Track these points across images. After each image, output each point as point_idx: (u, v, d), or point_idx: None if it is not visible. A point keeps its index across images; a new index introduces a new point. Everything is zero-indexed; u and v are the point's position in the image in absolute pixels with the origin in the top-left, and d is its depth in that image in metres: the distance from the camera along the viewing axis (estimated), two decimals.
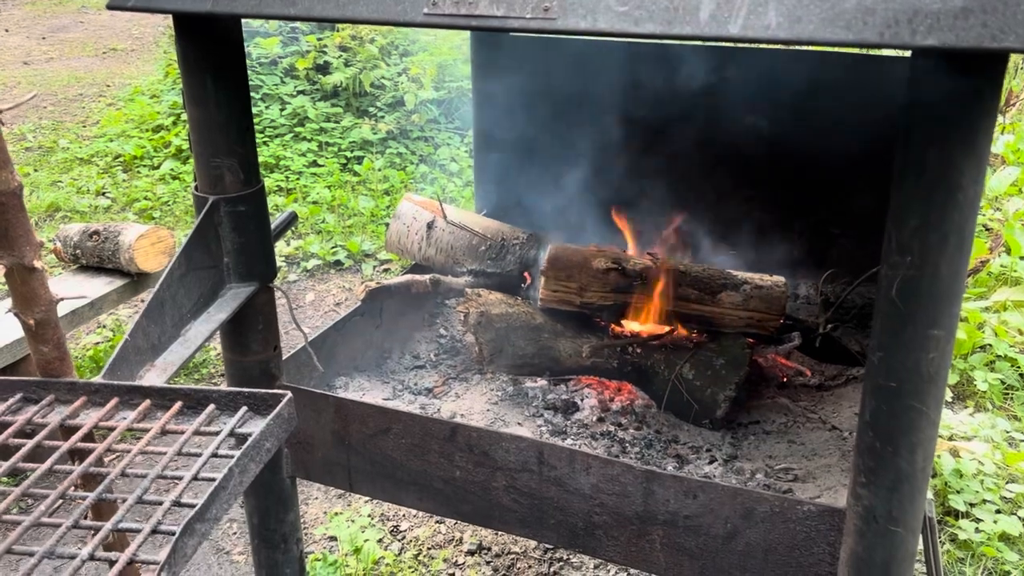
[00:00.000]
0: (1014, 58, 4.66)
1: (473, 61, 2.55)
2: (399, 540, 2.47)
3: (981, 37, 0.87)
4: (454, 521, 2.50)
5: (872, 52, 2.09)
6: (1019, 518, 2.41)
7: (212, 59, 1.42)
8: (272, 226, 1.63)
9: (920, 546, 1.35)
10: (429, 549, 2.42)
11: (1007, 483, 2.53)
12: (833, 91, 2.17)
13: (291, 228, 1.72)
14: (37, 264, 1.33)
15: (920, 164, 1.07)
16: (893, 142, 1.10)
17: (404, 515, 2.56)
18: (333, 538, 2.47)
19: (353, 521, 2.49)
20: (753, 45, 2.23)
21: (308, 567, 2.21)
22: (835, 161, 2.20)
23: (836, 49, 2.12)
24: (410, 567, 2.35)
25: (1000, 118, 4.69)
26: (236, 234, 1.51)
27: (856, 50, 2.16)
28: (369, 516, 2.54)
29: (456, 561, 2.37)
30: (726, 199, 2.36)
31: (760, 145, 2.28)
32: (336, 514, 2.55)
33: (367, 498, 2.60)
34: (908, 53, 1.06)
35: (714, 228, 2.32)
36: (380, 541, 2.44)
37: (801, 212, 2.29)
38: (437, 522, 2.52)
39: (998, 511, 2.43)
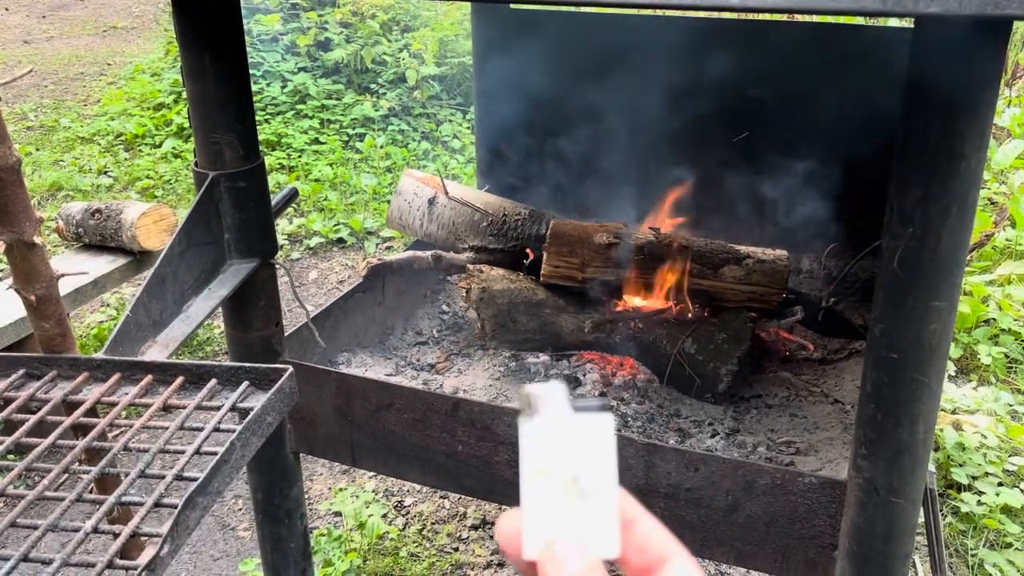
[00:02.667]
0: (1021, 29, 4.62)
1: (474, 36, 2.53)
2: (403, 515, 2.48)
3: (984, 4, 0.85)
4: (458, 496, 2.51)
5: (875, 21, 2.07)
6: (1021, 490, 2.41)
7: (210, 34, 1.41)
8: (273, 203, 1.63)
9: (921, 518, 1.35)
10: (433, 524, 2.44)
11: (1009, 456, 2.53)
12: (835, 62, 2.15)
13: (292, 204, 1.72)
14: (37, 240, 1.33)
15: (922, 133, 1.07)
16: (895, 112, 1.09)
17: (408, 490, 2.57)
18: (338, 513, 2.49)
19: (357, 496, 2.51)
20: (758, 15, 2.21)
21: (313, 542, 2.23)
22: (837, 132, 2.18)
23: (837, 19, 2.10)
24: (414, 542, 2.37)
25: (1007, 91, 4.64)
26: (236, 210, 1.51)
27: (859, 19, 2.14)
28: (374, 491, 2.55)
29: (460, 536, 2.39)
30: (730, 172, 2.34)
31: (762, 117, 2.27)
32: (340, 489, 2.56)
33: (371, 473, 2.62)
34: (911, 21, 1.05)
35: (717, 202, 2.31)
36: (384, 516, 2.46)
37: (804, 184, 2.28)
38: (441, 497, 2.53)
39: (1000, 484, 2.44)
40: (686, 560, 0.44)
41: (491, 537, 2.38)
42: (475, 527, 2.42)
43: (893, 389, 1.19)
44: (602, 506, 0.43)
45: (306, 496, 2.01)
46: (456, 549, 2.35)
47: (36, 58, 7.04)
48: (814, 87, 2.19)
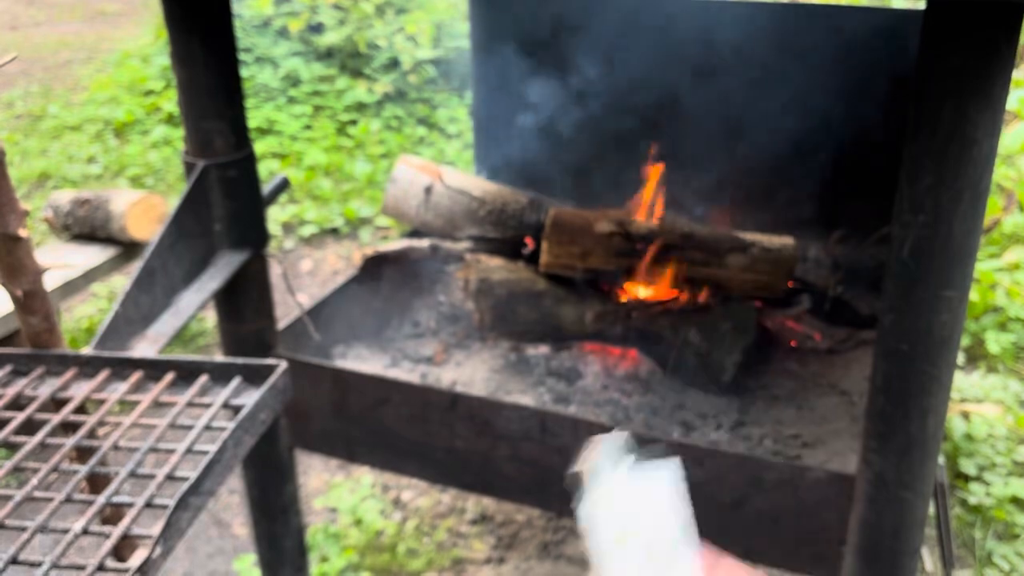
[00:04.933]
0: None
1: (472, 18, 2.48)
2: (401, 510, 2.45)
3: None
4: (457, 491, 2.48)
5: (886, 3, 2.04)
6: None
7: (199, 17, 1.37)
8: (263, 192, 1.59)
9: (931, 511, 1.33)
10: (432, 519, 2.41)
11: (1019, 445, 2.51)
12: (843, 47, 2.11)
13: (282, 194, 1.68)
14: (22, 233, 1.28)
15: (934, 118, 1.04)
16: (905, 97, 1.06)
17: (406, 485, 2.54)
18: (334, 509, 2.46)
19: (354, 491, 2.48)
20: None
21: (309, 538, 2.20)
22: (846, 118, 2.15)
23: (850, 1, 2.06)
24: (412, 537, 2.34)
25: (1014, 72, 4.61)
26: (227, 200, 1.47)
27: (869, 1, 2.11)
28: (372, 486, 2.52)
29: (459, 531, 2.36)
30: (735, 158, 2.31)
31: (769, 102, 2.23)
32: (336, 485, 2.53)
33: (368, 467, 2.59)
34: (923, 3, 1.02)
35: (722, 188, 2.27)
36: (382, 512, 2.43)
37: (811, 170, 2.25)
38: (440, 492, 2.50)
39: (1009, 474, 2.41)
40: None
41: (491, 532, 2.36)
42: (475, 522, 2.39)
43: (903, 382, 1.17)
44: (683, 564, 0.44)
45: (301, 491, 1.98)
46: (455, 544, 2.32)
47: (24, 45, 6.95)
48: (816, 70, 2.15)
